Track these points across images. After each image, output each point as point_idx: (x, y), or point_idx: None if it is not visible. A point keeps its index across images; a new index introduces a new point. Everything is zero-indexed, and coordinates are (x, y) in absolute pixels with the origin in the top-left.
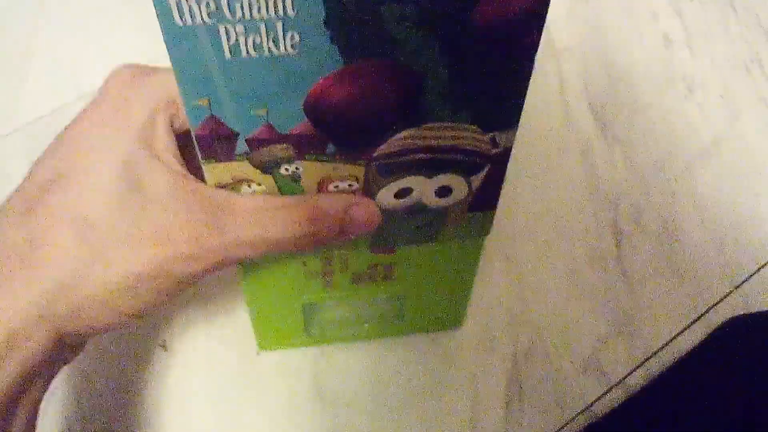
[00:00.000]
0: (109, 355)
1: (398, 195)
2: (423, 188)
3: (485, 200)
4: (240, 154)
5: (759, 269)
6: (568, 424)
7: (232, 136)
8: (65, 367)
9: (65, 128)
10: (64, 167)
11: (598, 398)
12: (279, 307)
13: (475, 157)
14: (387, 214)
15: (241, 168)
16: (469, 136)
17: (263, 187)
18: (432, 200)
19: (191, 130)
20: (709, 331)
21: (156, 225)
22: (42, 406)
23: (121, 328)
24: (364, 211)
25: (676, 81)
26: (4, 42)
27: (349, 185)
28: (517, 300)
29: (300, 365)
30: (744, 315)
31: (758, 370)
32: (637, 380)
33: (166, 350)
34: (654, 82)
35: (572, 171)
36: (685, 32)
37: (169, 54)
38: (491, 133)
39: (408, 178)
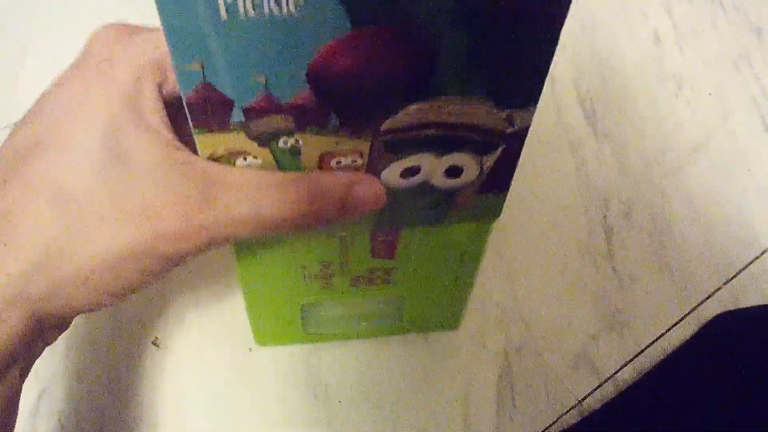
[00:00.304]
0: (101, 352)
1: (405, 174)
2: (432, 167)
3: (497, 182)
4: (235, 124)
5: (748, 265)
6: (559, 419)
7: (226, 105)
8: (57, 365)
9: (44, 93)
10: (42, 135)
11: (589, 393)
12: (277, 307)
13: (489, 136)
14: (392, 193)
15: (236, 139)
16: (483, 113)
17: (260, 160)
18: (441, 180)
19: (182, 96)
20: (698, 326)
21: (142, 199)
22: (34, 404)
23: (104, 307)
24: (369, 190)
25: (666, 78)
26: (1, 40)
27: (353, 161)
28: (508, 296)
29: (294, 361)
30: (733, 311)
31: (747, 365)
32: (628, 375)
33: (158, 347)
34: (644, 80)
35: (563, 168)
36: (674, 30)
37: (159, 12)
38: (508, 111)
39: (416, 155)
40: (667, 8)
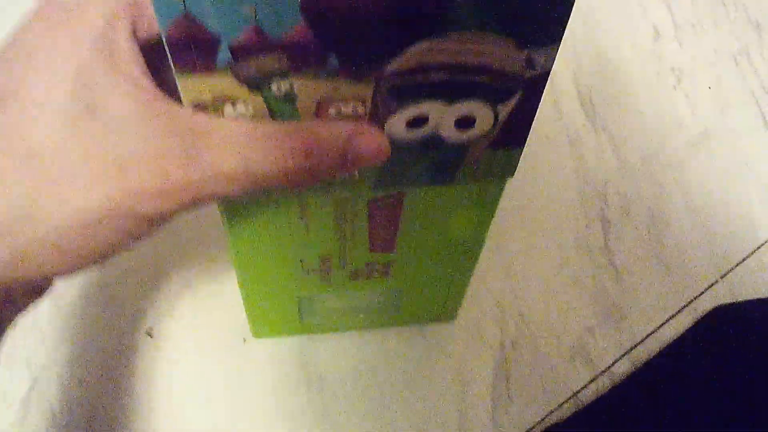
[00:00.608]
0: (93, 342)
1: (411, 124)
2: (441, 117)
3: (512, 135)
4: (222, 65)
5: (744, 259)
6: (554, 411)
7: (211, 41)
8: (49, 355)
9: (5, 41)
10: (4, 84)
11: (585, 386)
12: (274, 300)
13: (506, 80)
14: (397, 147)
15: (224, 83)
16: (500, 53)
17: (251, 108)
18: (451, 132)
19: (161, 32)
20: (695, 319)
21: (116, 154)
22: (26, 394)
23: (79, 272)
24: (372, 141)
25: (665, 73)
26: None
27: (354, 110)
28: (505, 289)
29: (289, 352)
30: (730, 304)
31: (743, 358)
32: (624, 368)
33: (152, 337)
34: (643, 74)
35: (561, 161)
36: (674, 24)
37: None
38: (528, 51)
39: (424, 103)
40: (667, 2)
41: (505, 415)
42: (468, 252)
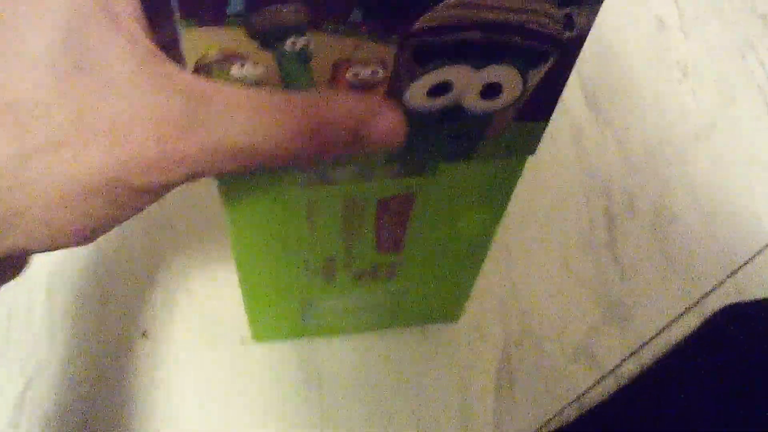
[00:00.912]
0: (87, 344)
1: (433, 92)
2: (466, 84)
3: (539, 106)
4: (233, 17)
5: (753, 257)
6: (558, 414)
7: None
8: (42, 356)
9: None
10: None
11: (590, 388)
12: (277, 303)
13: (541, 41)
14: (415, 118)
15: (234, 37)
16: (538, 11)
17: (260, 67)
18: (474, 102)
19: None
20: (702, 319)
21: (110, 117)
22: (19, 396)
23: (63, 248)
24: (389, 124)
25: (670, 65)
26: None
27: (373, 73)
28: (508, 287)
29: (287, 353)
30: (737, 304)
31: (751, 358)
32: (630, 369)
33: (147, 338)
34: (647, 67)
35: (564, 156)
36: (679, 16)
37: None
38: (568, 9)
39: (449, 67)
40: None
41: (508, 417)
42: (476, 250)
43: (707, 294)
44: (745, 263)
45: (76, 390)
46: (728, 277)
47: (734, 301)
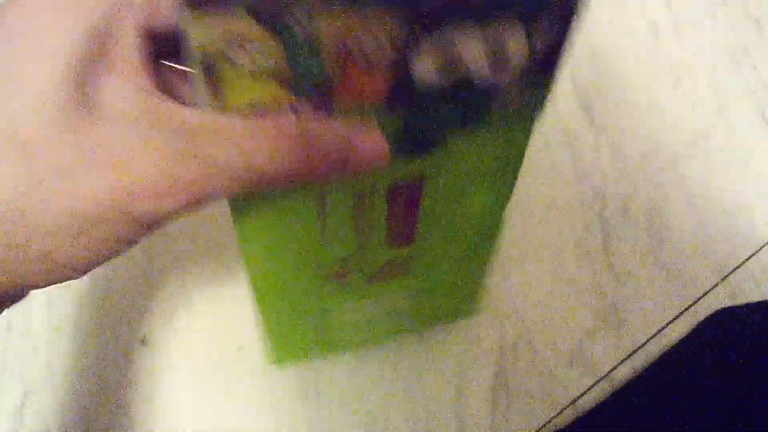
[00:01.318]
0: (87, 351)
1: (441, 66)
2: (474, 53)
3: (545, 66)
4: (237, 2)
5: (745, 261)
6: (554, 419)
7: None
8: (42, 365)
9: None
10: None
11: (585, 392)
12: (294, 319)
13: None
14: (424, 94)
15: (240, 23)
16: None
17: (266, 54)
18: (483, 71)
19: None
20: (695, 323)
21: (111, 150)
22: (18, 405)
23: (61, 282)
24: (372, 145)
25: (664, 71)
26: None
27: (381, 48)
28: (503, 292)
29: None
30: (731, 307)
31: (745, 361)
32: (624, 373)
33: (146, 345)
34: (641, 72)
35: (558, 161)
36: (673, 21)
37: None
38: None
39: (456, 36)
40: None
41: (504, 422)
42: (487, 234)
43: (700, 298)
44: (738, 267)
45: (75, 398)
46: (721, 281)
47: (727, 305)
